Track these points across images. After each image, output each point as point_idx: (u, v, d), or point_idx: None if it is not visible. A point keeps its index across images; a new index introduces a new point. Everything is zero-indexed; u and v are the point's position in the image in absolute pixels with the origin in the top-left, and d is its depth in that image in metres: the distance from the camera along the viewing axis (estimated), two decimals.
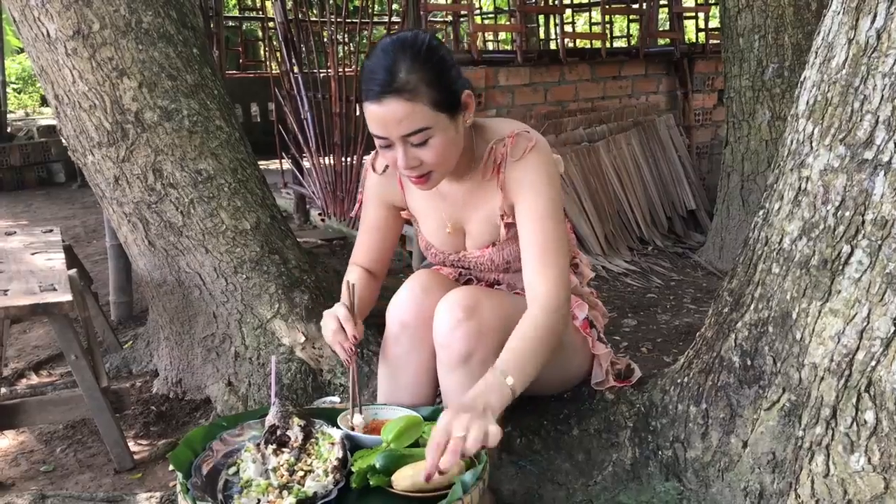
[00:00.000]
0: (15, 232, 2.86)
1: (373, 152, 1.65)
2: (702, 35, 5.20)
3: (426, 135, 1.35)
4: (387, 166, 1.59)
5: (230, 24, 8.32)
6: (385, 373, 1.53)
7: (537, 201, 1.45)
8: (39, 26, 2.11)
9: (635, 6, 5.30)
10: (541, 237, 1.44)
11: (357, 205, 1.72)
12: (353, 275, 1.64)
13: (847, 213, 1.23)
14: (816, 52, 1.34)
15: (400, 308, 1.49)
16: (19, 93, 13.53)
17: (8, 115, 8.02)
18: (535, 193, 1.45)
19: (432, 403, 1.50)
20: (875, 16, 1.20)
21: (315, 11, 5.17)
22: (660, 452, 1.55)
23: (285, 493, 1.22)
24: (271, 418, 1.38)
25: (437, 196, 1.57)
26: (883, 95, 1.19)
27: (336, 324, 1.44)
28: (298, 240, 2.51)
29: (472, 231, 1.57)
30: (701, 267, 3.86)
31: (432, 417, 1.41)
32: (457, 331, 1.37)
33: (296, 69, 4.72)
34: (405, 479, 1.23)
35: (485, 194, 1.52)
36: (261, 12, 8.36)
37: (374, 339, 2.30)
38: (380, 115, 1.33)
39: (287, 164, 5.25)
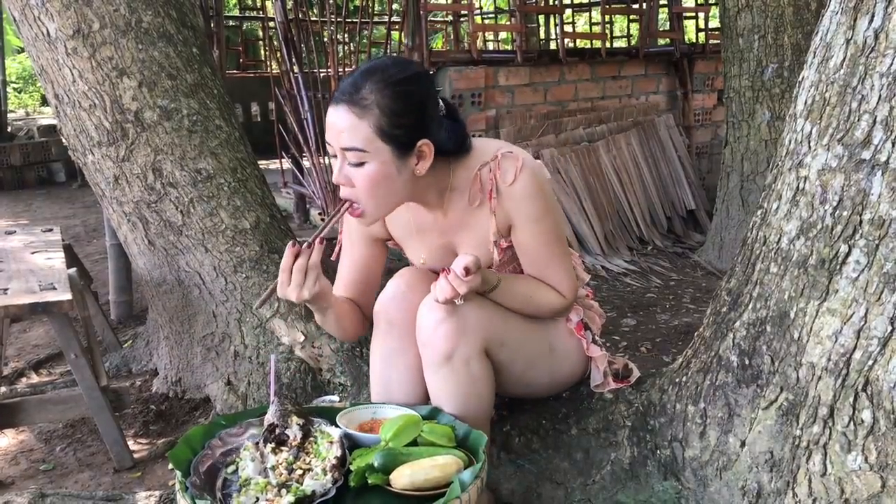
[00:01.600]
0: (15, 231, 2.86)
1: None
2: (701, 35, 5.21)
3: (361, 157, 1.34)
4: None
5: (230, 23, 8.31)
6: (376, 372, 1.53)
7: (540, 226, 1.46)
8: (39, 26, 2.11)
9: (635, 6, 5.29)
10: (545, 261, 1.49)
11: (338, 247, 1.66)
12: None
13: (845, 213, 1.24)
14: (815, 53, 1.34)
15: (386, 306, 1.48)
16: (20, 92, 13.52)
17: (8, 115, 8.01)
18: (535, 219, 1.45)
19: (426, 400, 1.50)
20: (873, 16, 1.20)
21: (315, 11, 5.18)
22: (658, 452, 1.55)
23: (284, 491, 1.22)
24: (270, 417, 1.38)
25: (424, 225, 1.55)
26: (880, 95, 1.19)
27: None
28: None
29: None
30: (700, 267, 3.87)
31: (430, 416, 1.42)
32: (438, 329, 1.37)
33: (296, 69, 4.72)
34: (403, 477, 1.24)
35: (476, 220, 1.49)
36: (261, 12, 8.36)
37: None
38: (329, 119, 1.36)
39: (287, 164, 5.25)
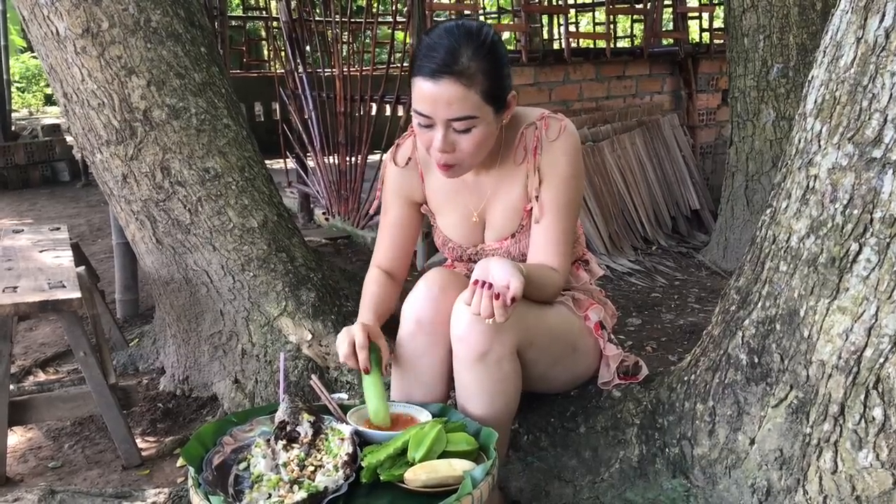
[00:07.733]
0: (23, 230, 2.87)
1: (393, 146, 1.65)
2: (706, 35, 5.21)
3: (471, 123, 1.38)
4: (409, 160, 1.61)
5: (233, 23, 8.33)
6: (399, 370, 1.52)
7: (566, 186, 1.51)
8: (49, 25, 2.12)
9: (639, 6, 5.30)
10: (560, 227, 1.52)
11: (376, 201, 1.72)
12: (372, 280, 1.62)
13: (855, 212, 1.24)
14: (825, 51, 1.34)
15: (416, 306, 1.48)
16: (23, 92, 13.55)
17: (12, 115, 8.03)
18: (566, 177, 1.51)
19: (444, 400, 1.50)
20: (884, 15, 1.21)
21: (319, 11, 5.18)
22: (667, 450, 1.55)
23: (296, 487, 1.23)
24: (281, 414, 1.39)
25: (462, 187, 1.59)
26: (891, 94, 1.19)
27: (349, 348, 1.42)
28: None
29: (494, 221, 1.59)
30: (705, 266, 3.87)
31: (440, 414, 1.42)
32: (476, 327, 1.37)
33: (300, 68, 4.73)
34: (417, 474, 1.24)
35: (511, 182, 1.54)
36: (264, 12, 8.38)
37: None
38: (432, 93, 1.35)
39: (291, 164, 5.25)
